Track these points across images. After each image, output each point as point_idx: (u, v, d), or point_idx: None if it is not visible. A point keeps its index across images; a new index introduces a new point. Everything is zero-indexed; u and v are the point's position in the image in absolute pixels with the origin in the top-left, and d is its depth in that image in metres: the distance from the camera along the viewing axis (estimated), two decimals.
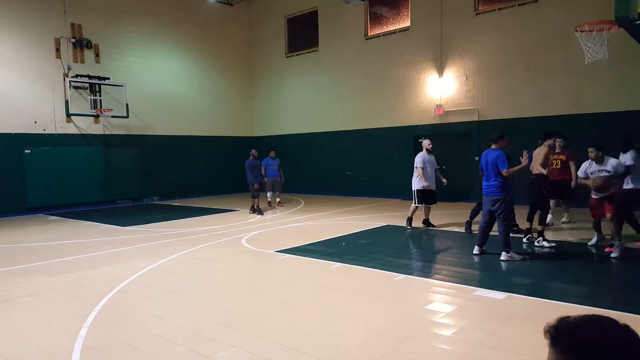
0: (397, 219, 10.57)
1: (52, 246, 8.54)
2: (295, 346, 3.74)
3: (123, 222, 11.10)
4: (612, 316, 1.12)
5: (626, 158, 6.82)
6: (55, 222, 11.84)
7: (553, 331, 1.10)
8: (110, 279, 6.02)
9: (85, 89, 14.85)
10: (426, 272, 5.98)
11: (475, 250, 6.88)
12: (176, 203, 15.65)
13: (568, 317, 1.12)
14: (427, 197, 9.20)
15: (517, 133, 12.74)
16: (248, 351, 3.67)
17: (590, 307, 4.42)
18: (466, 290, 5.13)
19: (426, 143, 9.37)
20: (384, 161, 15.51)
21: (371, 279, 5.81)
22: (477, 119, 13.52)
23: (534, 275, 5.72)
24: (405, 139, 15.01)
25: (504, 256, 6.48)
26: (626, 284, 5.31)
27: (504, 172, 6.39)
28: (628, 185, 6.85)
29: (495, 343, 3.70)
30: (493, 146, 6.70)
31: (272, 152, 13.89)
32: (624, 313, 4.21)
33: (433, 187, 9.20)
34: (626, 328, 1.10)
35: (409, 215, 9.45)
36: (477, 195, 13.70)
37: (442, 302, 4.85)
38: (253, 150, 12.85)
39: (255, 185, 12.19)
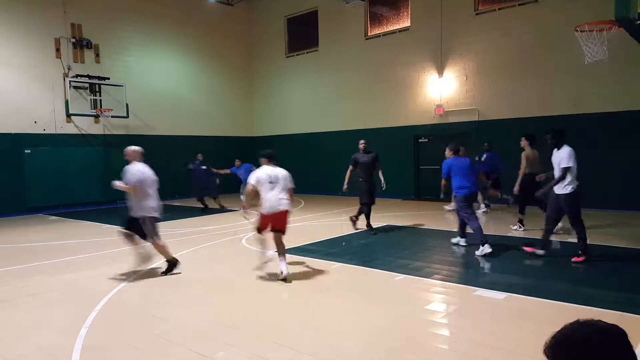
0: (397, 219, 10.58)
1: (52, 246, 8.53)
2: (295, 346, 3.74)
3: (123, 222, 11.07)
4: (611, 317, 1.14)
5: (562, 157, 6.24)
6: (55, 222, 11.84)
7: (549, 350, 1.16)
8: (110, 279, 6.02)
9: (85, 89, 14.85)
10: (426, 272, 5.98)
11: (462, 242, 7.53)
12: (176, 203, 15.64)
13: (556, 332, 1.18)
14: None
15: (517, 133, 12.74)
16: (248, 351, 3.67)
17: (590, 308, 4.41)
18: (466, 290, 5.13)
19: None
20: (384, 161, 15.43)
21: (371, 279, 5.81)
22: (477, 119, 13.52)
23: (534, 275, 5.72)
24: (405, 139, 15.01)
25: (481, 251, 6.81)
26: (626, 284, 5.31)
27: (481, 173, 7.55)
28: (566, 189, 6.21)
29: (495, 343, 3.70)
30: (453, 154, 7.41)
31: (237, 161, 13.44)
32: (624, 313, 4.21)
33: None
34: (614, 326, 1.14)
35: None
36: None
37: (442, 302, 4.85)
38: (199, 155, 12.93)
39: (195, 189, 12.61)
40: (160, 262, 6.43)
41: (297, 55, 18.22)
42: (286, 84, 18.58)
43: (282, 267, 5.86)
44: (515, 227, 8.97)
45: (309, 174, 17.70)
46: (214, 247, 8.03)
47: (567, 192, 6.17)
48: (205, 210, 12.83)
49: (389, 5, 15.59)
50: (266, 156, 6.12)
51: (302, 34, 18.07)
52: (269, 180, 5.89)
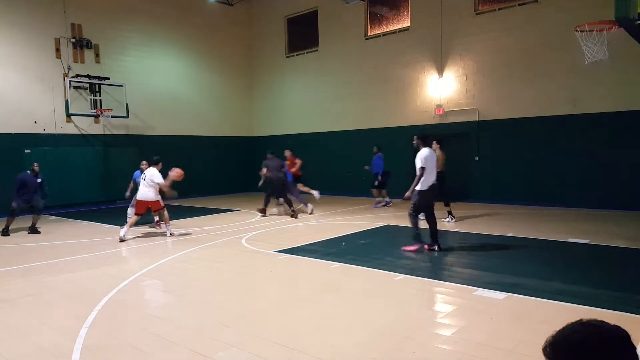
0: (397, 219, 10.58)
1: (52, 246, 8.54)
2: (295, 346, 3.74)
3: (123, 222, 11.06)
4: (611, 317, 1.14)
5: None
6: (55, 222, 11.84)
7: (548, 348, 1.15)
8: (110, 279, 6.02)
9: (85, 89, 14.85)
10: (426, 272, 5.98)
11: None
12: (176, 203, 15.63)
13: (556, 332, 1.17)
14: None
15: (517, 133, 12.78)
16: (248, 351, 3.67)
17: (590, 307, 4.41)
18: (466, 290, 5.13)
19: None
20: (384, 161, 15.48)
21: (371, 279, 5.81)
22: (477, 119, 13.52)
23: (534, 275, 5.71)
24: (405, 139, 14.99)
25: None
26: (626, 284, 5.30)
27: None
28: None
29: (495, 343, 3.70)
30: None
31: (143, 163, 10.27)
32: (624, 313, 4.21)
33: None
34: (616, 328, 1.13)
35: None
36: (477, 195, 13.72)
37: (442, 302, 4.85)
38: (35, 164, 10.60)
39: (13, 204, 10.07)
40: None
41: (297, 55, 18.21)
42: (286, 84, 18.58)
43: (169, 231, 9.26)
44: (447, 219, 10.20)
45: (309, 174, 17.70)
46: (214, 247, 8.03)
47: (419, 189, 7.13)
48: (4, 232, 10.00)
49: (389, 5, 15.59)
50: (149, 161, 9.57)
51: (302, 34, 18.07)
52: (142, 178, 9.05)
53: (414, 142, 7.41)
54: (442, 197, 9.99)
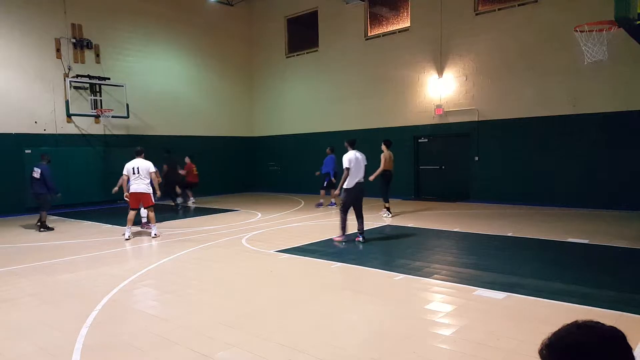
0: (396, 219, 10.58)
1: (52, 246, 8.54)
2: (295, 346, 3.74)
3: (123, 222, 11.06)
4: (611, 316, 1.14)
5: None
6: (55, 222, 11.84)
7: (545, 350, 1.16)
8: (110, 279, 6.02)
9: (86, 89, 14.86)
10: (426, 272, 5.98)
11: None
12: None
13: (552, 333, 1.18)
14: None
15: (517, 133, 12.78)
16: (248, 351, 3.67)
17: (590, 307, 4.42)
18: (466, 290, 5.13)
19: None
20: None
21: (371, 279, 5.81)
22: (477, 119, 13.52)
23: (534, 275, 5.71)
24: (405, 139, 15.02)
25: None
26: (626, 284, 5.30)
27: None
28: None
29: (495, 343, 3.71)
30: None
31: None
32: (623, 313, 4.21)
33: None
34: (612, 330, 1.14)
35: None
36: (477, 195, 13.73)
37: (442, 302, 4.85)
38: (46, 155, 10.70)
39: (49, 197, 10.42)
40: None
41: (297, 55, 18.22)
42: (286, 84, 18.58)
43: (153, 231, 9.05)
44: (385, 214, 10.84)
45: (309, 174, 17.67)
46: (214, 247, 8.04)
47: (345, 187, 7.93)
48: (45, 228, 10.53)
49: (389, 6, 15.59)
50: (135, 152, 9.53)
51: (302, 34, 18.07)
52: (132, 171, 9.00)
53: (345, 145, 8.28)
54: (383, 194, 10.90)
